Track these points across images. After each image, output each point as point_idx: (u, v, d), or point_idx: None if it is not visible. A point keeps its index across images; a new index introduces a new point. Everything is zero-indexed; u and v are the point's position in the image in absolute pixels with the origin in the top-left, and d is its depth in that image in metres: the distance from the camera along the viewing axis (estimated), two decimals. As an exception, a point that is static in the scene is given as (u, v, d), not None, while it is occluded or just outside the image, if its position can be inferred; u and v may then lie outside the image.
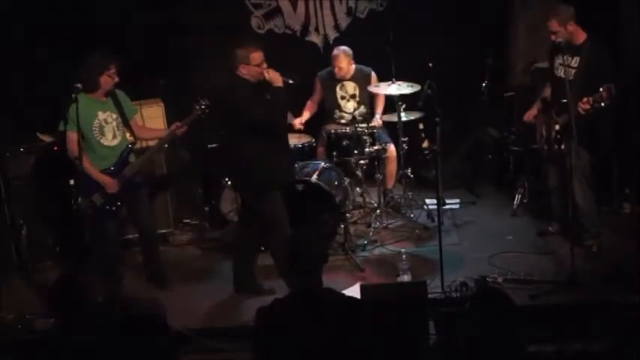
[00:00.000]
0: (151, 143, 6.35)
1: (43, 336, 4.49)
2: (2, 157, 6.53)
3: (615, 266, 5.73)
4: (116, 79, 5.71)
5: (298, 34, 7.99)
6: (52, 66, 7.01)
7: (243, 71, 5.58)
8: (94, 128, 5.70)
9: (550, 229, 6.50)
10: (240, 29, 7.84)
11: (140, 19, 7.39)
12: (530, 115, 6.38)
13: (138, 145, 6.12)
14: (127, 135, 5.88)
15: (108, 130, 5.75)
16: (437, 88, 6.59)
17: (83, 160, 5.61)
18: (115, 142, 5.79)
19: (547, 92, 6.22)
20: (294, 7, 8.02)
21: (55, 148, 6.68)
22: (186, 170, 7.36)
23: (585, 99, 5.56)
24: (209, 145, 7.22)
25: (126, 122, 5.84)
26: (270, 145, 5.67)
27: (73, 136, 5.58)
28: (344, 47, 7.29)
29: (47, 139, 6.78)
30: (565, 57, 5.82)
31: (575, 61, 5.82)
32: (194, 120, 5.93)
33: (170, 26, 7.48)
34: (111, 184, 5.71)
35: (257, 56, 5.60)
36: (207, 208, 7.38)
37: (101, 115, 5.73)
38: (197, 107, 5.89)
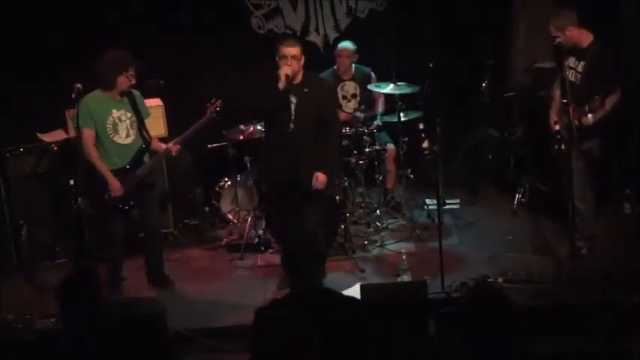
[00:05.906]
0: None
1: (43, 335, 4.48)
2: (2, 157, 6.53)
3: (615, 266, 5.72)
4: (133, 81, 5.73)
5: (298, 34, 7.97)
6: (52, 65, 7.00)
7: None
8: (107, 126, 5.71)
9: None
10: (240, 29, 7.83)
11: (140, 19, 7.39)
12: (553, 119, 6.04)
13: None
14: (144, 134, 5.86)
15: (121, 128, 5.75)
16: (437, 88, 6.59)
17: (96, 159, 5.63)
18: (128, 141, 5.78)
19: (557, 93, 6.17)
20: (294, 7, 8.01)
21: (55, 149, 6.68)
22: (187, 170, 7.35)
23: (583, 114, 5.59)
24: (209, 146, 7.21)
25: (141, 121, 5.83)
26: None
27: (88, 133, 5.62)
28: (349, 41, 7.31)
29: (47, 138, 6.78)
30: (571, 60, 5.81)
31: (581, 66, 5.78)
32: (208, 121, 5.90)
33: (170, 26, 7.48)
34: (117, 189, 5.70)
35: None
36: (207, 208, 7.38)
37: (115, 113, 5.73)
38: (212, 109, 5.88)
